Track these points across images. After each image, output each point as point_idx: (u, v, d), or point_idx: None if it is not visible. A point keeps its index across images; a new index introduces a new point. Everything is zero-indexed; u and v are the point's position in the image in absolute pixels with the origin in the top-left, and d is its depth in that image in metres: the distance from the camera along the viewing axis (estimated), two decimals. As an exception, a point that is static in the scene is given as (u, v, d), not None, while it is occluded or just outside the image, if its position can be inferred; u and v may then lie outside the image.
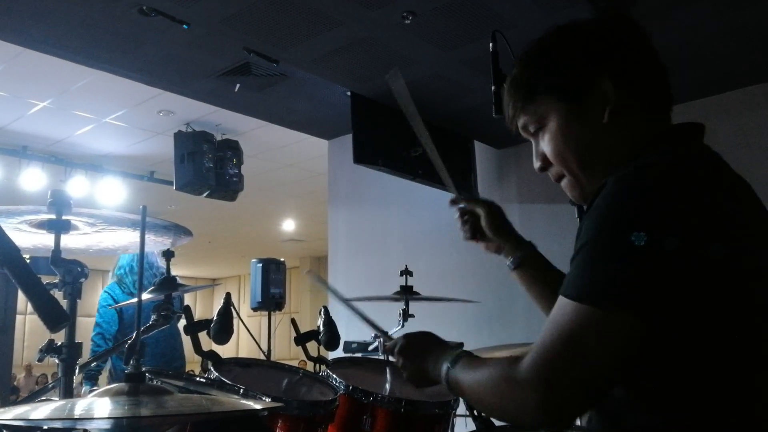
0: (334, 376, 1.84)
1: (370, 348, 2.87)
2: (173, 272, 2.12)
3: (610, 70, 0.99)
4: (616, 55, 1.01)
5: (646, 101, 1.01)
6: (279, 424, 1.57)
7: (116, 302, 3.88)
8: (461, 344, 1.16)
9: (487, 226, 1.43)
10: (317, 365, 2.07)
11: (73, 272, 1.50)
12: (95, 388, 3.56)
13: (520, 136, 1.16)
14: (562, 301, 0.87)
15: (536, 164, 1.11)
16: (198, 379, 1.65)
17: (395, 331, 2.81)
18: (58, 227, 1.55)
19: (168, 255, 2.12)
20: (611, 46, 1.01)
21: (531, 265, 1.53)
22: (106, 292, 4.04)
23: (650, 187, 0.85)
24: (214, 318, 1.84)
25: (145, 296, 2.08)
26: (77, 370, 1.55)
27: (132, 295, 3.82)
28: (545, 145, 1.06)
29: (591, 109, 1.00)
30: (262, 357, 2.31)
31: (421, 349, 1.17)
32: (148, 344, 3.65)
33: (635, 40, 1.03)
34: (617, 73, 0.99)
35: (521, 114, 1.08)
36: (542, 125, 1.06)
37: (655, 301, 0.81)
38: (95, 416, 0.98)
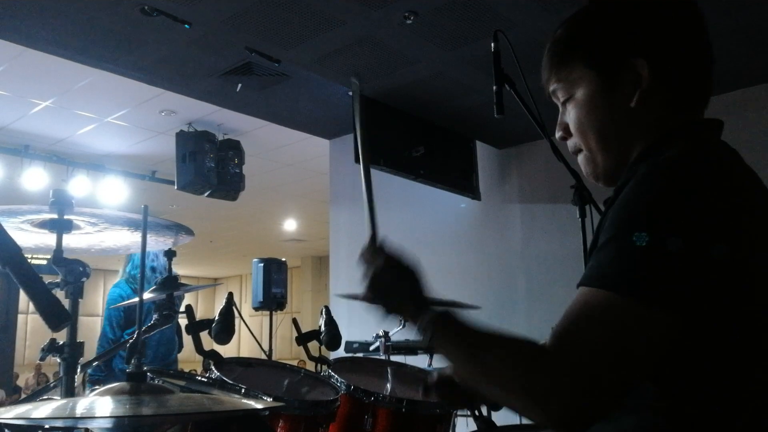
0: (336, 375, 1.84)
1: (372, 348, 2.88)
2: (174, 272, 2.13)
3: (650, 53, 0.96)
4: (660, 39, 0.97)
5: (679, 92, 0.97)
6: (280, 424, 1.57)
7: (124, 300, 3.87)
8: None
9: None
10: (318, 365, 2.07)
11: (75, 272, 1.50)
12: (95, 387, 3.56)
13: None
14: (591, 291, 0.83)
15: (558, 133, 1.08)
16: (199, 378, 1.65)
17: (396, 331, 2.82)
18: (60, 227, 1.55)
19: (170, 254, 2.13)
20: (657, 28, 0.98)
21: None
22: (116, 288, 4.02)
23: (692, 187, 0.83)
24: (216, 318, 1.84)
25: (147, 295, 2.08)
26: (79, 369, 1.55)
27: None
28: (570, 115, 1.04)
29: (621, 88, 0.98)
30: (264, 357, 2.32)
31: (405, 279, 1.03)
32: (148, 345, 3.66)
33: (686, 27, 0.99)
34: (656, 58, 0.96)
35: (554, 78, 1.05)
36: (571, 94, 1.03)
37: (685, 300, 0.79)
38: (97, 415, 0.98)
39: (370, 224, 1.17)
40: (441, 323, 0.94)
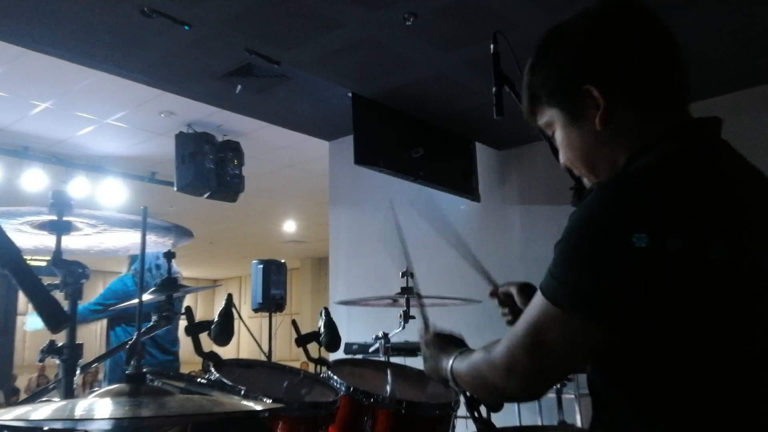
0: (335, 377, 1.84)
1: (371, 349, 2.87)
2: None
3: (596, 76, 0.97)
4: (603, 58, 0.98)
5: (644, 99, 0.97)
6: (280, 425, 1.57)
7: (126, 293, 3.87)
8: None
9: (522, 303, 1.47)
10: (318, 366, 2.06)
11: (74, 273, 1.50)
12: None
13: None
14: (537, 293, 0.92)
15: (562, 163, 1.13)
16: (199, 380, 1.65)
17: (396, 332, 2.81)
18: (60, 228, 1.55)
19: (169, 256, 2.13)
20: (598, 49, 0.98)
21: None
22: (120, 281, 4.02)
23: (627, 195, 0.85)
24: (215, 319, 1.84)
25: (147, 297, 2.08)
26: (78, 371, 1.55)
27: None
28: (558, 147, 1.09)
29: (584, 115, 0.99)
30: (263, 358, 2.31)
31: (440, 347, 1.28)
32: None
33: (635, 33, 0.98)
34: (604, 78, 0.97)
35: (533, 120, 1.11)
36: (552, 130, 1.08)
37: (615, 308, 0.82)
38: (96, 417, 0.98)
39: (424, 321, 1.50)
40: (454, 362, 1.17)
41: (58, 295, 1.40)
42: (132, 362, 1.15)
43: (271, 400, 1.50)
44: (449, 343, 1.29)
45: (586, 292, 0.84)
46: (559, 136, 1.06)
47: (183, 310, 1.85)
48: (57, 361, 1.52)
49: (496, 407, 1.46)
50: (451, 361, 1.17)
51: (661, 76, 0.98)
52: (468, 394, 1.45)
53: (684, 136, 0.95)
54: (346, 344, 3.34)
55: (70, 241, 1.65)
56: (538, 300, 0.91)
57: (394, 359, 2.75)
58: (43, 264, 1.63)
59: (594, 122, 0.98)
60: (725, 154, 0.96)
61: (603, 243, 0.83)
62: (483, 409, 1.46)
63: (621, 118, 0.97)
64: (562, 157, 1.08)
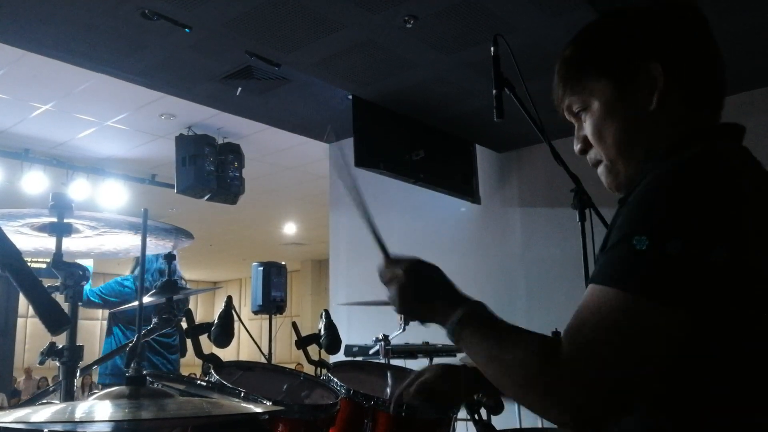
0: (335, 379, 1.84)
1: (371, 351, 2.87)
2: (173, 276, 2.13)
3: (662, 55, 0.97)
4: (670, 41, 0.99)
5: (694, 93, 0.98)
6: (280, 428, 1.57)
7: (124, 292, 3.89)
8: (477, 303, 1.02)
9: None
10: (318, 369, 2.06)
11: (75, 275, 1.50)
12: None
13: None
14: (602, 289, 0.82)
15: (576, 146, 1.09)
16: (199, 382, 1.65)
17: (396, 334, 2.81)
18: (60, 230, 1.55)
19: (169, 258, 2.13)
20: (666, 32, 1.00)
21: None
22: (118, 282, 4.03)
23: (697, 190, 0.83)
24: (215, 321, 1.84)
25: (147, 299, 2.08)
26: (78, 373, 1.55)
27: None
28: (587, 125, 1.05)
29: (637, 92, 0.99)
30: (263, 360, 2.31)
31: (429, 279, 1.08)
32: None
33: (693, 29, 1.01)
34: (668, 59, 0.97)
35: (568, 94, 1.06)
36: (587, 106, 1.04)
37: (693, 300, 0.80)
38: (96, 419, 0.98)
39: (378, 245, 1.20)
40: (467, 320, 0.97)
41: (59, 298, 1.40)
42: (132, 365, 1.15)
43: (270, 403, 1.50)
44: (442, 278, 1.08)
45: (674, 280, 0.79)
46: (597, 111, 1.02)
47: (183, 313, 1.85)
48: (57, 363, 1.52)
49: (496, 409, 1.44)
50: (457, 328, 0.97)
51: (710, 75, 1.00)
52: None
53: (714, 138, 0.97)
54: (347, 346, 3.34)
55: (70, 243, 1.65)
56: (609, 293, 0.81)
57: (394, 361, 2.75)
58: (43, 266, 1.63)
59: (645, 101, 0.98)
60: (746, 160, 0.96)
61: (685, 237, 0.80)
62: (483, 412, 1.46)
63: (671, 105, 0.98)
64: (592, 134, 1.03)
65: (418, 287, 1.06)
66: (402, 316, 1.08)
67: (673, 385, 0.85)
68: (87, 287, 3.75)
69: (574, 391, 0.79)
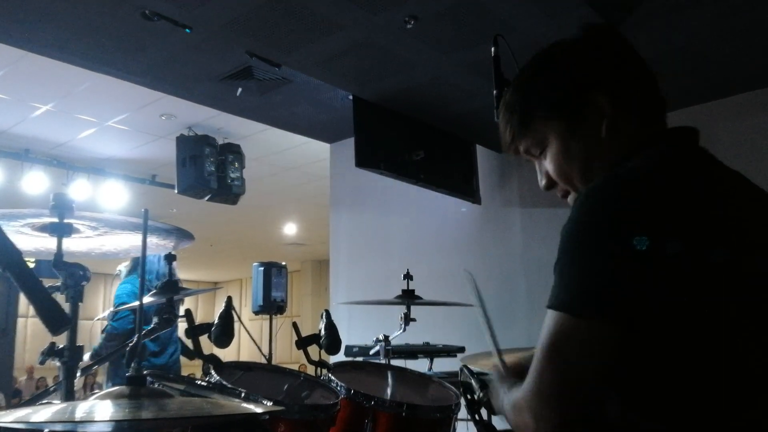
0: (336, 379, 1.84)
1: (372, 352, 2.87)
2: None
3: (603, 84, 1.02)
4: (607, 68, 1.03)
5: (640, 109, 1.03)
6: (280, 428, 1.57)
7: (137, 297, 3.89)
8: None
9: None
10: (318, 369, 2.06)
11: (75, 275, 1.50)
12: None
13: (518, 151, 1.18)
14: (547, 314, 0.89)
15: (541, 183, 1.14)
16: (199, 382, 1.65)
17: (397, 335, 2.81)
18: (61, 230, 1.55)
19: (170, 258, 2.13)
20: (601, 60, 1.04)
21: None
22: (128, 284, 4.02)
23: (616, 196, 0.86)
24: (216, 321, 1.84)
25: (148, 299, 2.08)
26: (78, 373, 1.55)
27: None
28: (548, 164, 1.09)
29: (588, 124, 1.02)
30: (264, 361, 2.31)
31: (499, 381, 1.19)
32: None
33: (623, 51, 1.05)
34: (610, 85, 1.02)
35: (522, 139, 1.11)
36: (544, 146, 1.08)
37: (624, 307, 0.82)
38: (96, 419, 0.98)
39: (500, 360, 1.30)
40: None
41: (59, 298, 1.40)
42: (132, 364, 1.15)
43: (271, 403, 1.50)
44: (507, 378, 1.19)
45: (594, 290, 0.83)
46: (555, 150, 1.06)
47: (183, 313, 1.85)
48: (57, 363, 1.52)
49: (496, 410, 1.44)
50: (502, 396, 1.09)
51: (651, 88, 1.05)
52: (469, 396, 1.42)
53: (671, 142, 1.00)
54: (347, 347, 3.33)
55: (70, 244, 1.65)
56: (549, 316, 0.88)
57: (394, 362, 2.75)
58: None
59: (597, 130, 1.01)
60: (710, 160, 0.99)
61: (605, 243, 0.83)
62: (484, 412, 1.45)
63: (622, 126, 1.01)
64: (555, 171, 1.08)
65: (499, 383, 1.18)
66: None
67: (665, 391, 0.85)
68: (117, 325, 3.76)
69: (531, 417, 0.88)
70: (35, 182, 5.90)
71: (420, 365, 2.95)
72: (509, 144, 1.14)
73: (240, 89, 3.63)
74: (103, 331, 3.84)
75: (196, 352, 1.74)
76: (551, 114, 1.05)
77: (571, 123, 1.04)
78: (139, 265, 4.00)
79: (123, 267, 4.13)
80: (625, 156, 0.99)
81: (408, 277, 2.81)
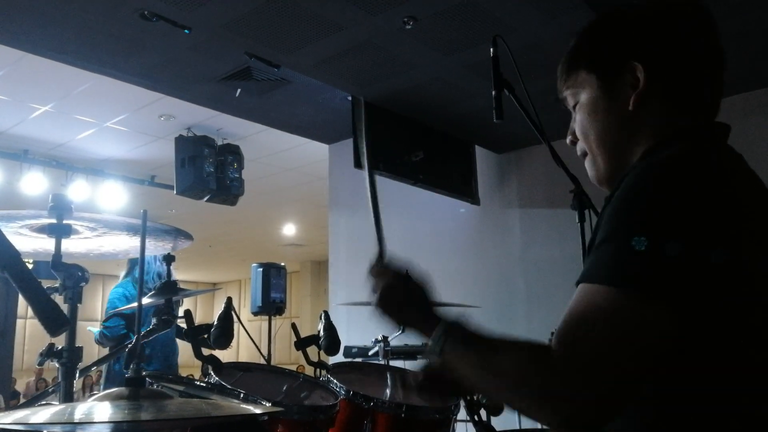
0: (335, 380, 1.84)
1: (371, 353, 2.87)
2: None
3: (646, 57, 0.98)
4: (657, 43, 0.99)
5: (679, 97, 0.99)
6: (279, 429, 1.57)
7: (128, 300, 3.89)
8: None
9: None
10: (318, 370, 2.06)
11: (74, 276, 1.50)
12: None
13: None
14: (591, 288, 0.82)
15: (568, 137, 1.12)
16: (198, 383, 1.65)
17: (396, 336, 2.81)
18: (59, 231, 1.55)
19: (168, 259, 2.12)
20: (655, 33, 1.00)
21: None
22: (120, 288, 4.02)
23: (682, 189, 0.83)
24: (215, 322, 1.84)
25: (146, 301, 2.08)
26: (77, 374, 1.55)
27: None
28: (576, 118, 1.08)
29: (620, 91, 1.00)
30: (263, 361, 2.31)
31: (417, 291, 1.06)
32: (147, 347, 3.66)
33: (687, 32, 0.99)
34: (654, 62, 0.98)
35: (564, 85, 1.09)
36: (577, 99, 1.07)
37: (684, 296, 0.79)
38: (95, 420, 0.98)
39: (377, 239, 1.22)
40: (452, 333, 0.95)
41: (58, 299, 1.40)
42: (131, 366, 1.15)
43: (270, 404, 1.50)
44: (417, 295, 1.05)
45: (662, 274, 0.78)
46: (584, 105, 1.05)
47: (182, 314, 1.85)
48: (56, 365, 1.52)
49: (496, 410, 1.44)
50: (441, 341, 0.94)
51: (697, 80, 0.99)
52: (469, 397, 1.41)
53: (697, 137, 0.96)
54: (346, 347, 3.33)
55: (69, 245, 1.65)
56: (593, 291, 0.81)
57: (393, 362, 2.75)
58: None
59: (626, 100, 0.99)
60: (733, 158, 0.96)
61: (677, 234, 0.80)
62: (483, 413, 1.45)
63: (652, 107, 0.99)
64: (578, 127, 1.06)
65: (404, 290, 1.05)
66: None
67: (664, 385, 0.84)
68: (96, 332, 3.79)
69: (567, 391, 0.79)
70: (34, 183, 5.90)
71: (419, 366, 2.94)
72: (559, 89, 1.11)
73: (239, 90, 3.63)
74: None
75: (195, 353, 1.73)
76: (590, 68, 1.03)
77: (605, 84, 1.02)
78: (133, 267, 4.01)
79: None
80: (651, 141, 0.97)
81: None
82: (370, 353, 3.02)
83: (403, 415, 1.78)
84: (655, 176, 0.86)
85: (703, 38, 1.00)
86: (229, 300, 1.89)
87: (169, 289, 2.07)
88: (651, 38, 1.00)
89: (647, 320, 0.79)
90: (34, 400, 1.87)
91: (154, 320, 1.99)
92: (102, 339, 3.80)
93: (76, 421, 0.97)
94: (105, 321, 3.85)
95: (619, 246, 0.82)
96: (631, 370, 0.79)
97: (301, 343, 2.03)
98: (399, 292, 1.05)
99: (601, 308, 0.80)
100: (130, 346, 1.41)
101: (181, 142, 5.36)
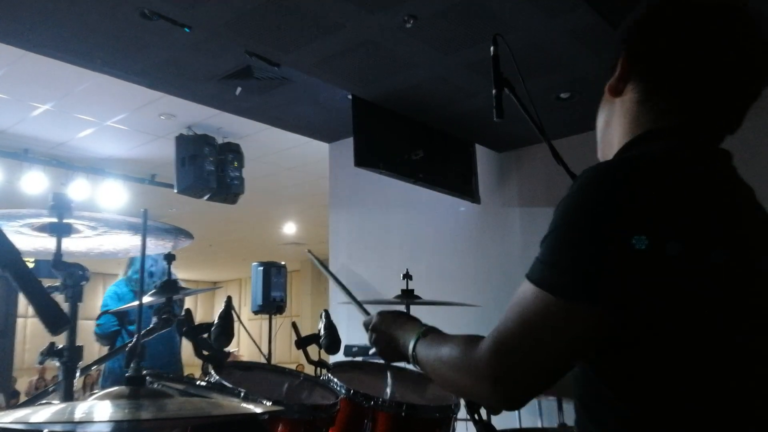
0: (335, 379, 1.84)
1: (371, 352, 2.87)
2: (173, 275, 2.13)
3: (632, 46, 0.99)
4: (650, 38, 0.97)
5: (658, 95, 0.97)
6: (279, 428, 1.57)
7: (120, 298, 3.94)
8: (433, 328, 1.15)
9: None
10: (318, 369, 2.06)
11: (74, 275, 1.50)
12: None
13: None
14: (525, 283, 0.87)
15: None
16: (198, 382, 1.65)
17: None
18: (60, 230, 1.55)
19: (169, 258, 2.12)
20: (652, 25, 0.98)
21: None
22: (113, 287, 4.08)
23: (621, 181, 0.85)
24: (215, 321, 1.84)
25: (146, 299, 2.08)
26: (78, 373, 1.55)
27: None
28: None
29: (612, 80, 1.02)
30: (263, 360, 2.31)
31: (393, 325, 1.21)
32: (147, 346, 3.68)
33: (687, 27, 0.95)
34: (633, 49, 0.99)
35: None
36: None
37: (614, 296, 0.81)
38: (96, 419, 0.98)
39: (359, 308, 1.48)
40: (420, 338, 1.09)
41: (58, 298, 1.40)
42: (132, 365, 1.15)
43: (270, 403, 1.50)
44: (403, 320, 1.20)
45: (582, 277, 0.81)
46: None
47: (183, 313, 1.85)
48: (57, 364, 1.52)
49: (496, 409, 1.44)
50: (413, 342, 1.09)
51: (686, 79, 0.96)
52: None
53: (681, 139, 0.95)
54: (346, 346, 3.34)
55: (70, 243, 1.65)
56: (529, 290, 0.86)
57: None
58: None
59: (620, 92, 1.01)
60: (723, 161, 0.96)
61: (602, 233, 0.82)
62: (483, 412, 1.45)
63: (629, 96, 0.99)
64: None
65: (387, 323, 1.23)
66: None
67: (658, 390, 0.84)
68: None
69: (478, 375, 0.88)
70: (34, 182, 5.90)
71: (419, 365, 2.95)
72: None
73: (239, 89, 3.63)
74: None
75: (195, 353, 1.73)
76: (612, 62, 1.04)
77: (611, 72, 1.02)
78: (130, 266, 4.04)
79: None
80: (634, 139, 0.97)
81: (407, 276, 2.81)
82: (371, 352, 3.02)
83: (403, 413, 1.78)
84: (579, 183, 0.88)
85: (705, 36, 0.95)
86: (230, 299, 1.89)
87: (170, 288, 2.07)
88: (646, 32, 0.99)
89: (571, 325, 0.83)
90: (35, 399, 1.87)
91: (154, 319, 2.00)
92: (95, 337, 3.86)
93: (76, 420, 0.97)
94: (97, 319, 3.89)
95: (552, 244, 0.87)
96: (545, 363, 0.85)
97: (302, 342, 2.03)
98: (381, 339, 1.24)
99: (521, 303, 0.86)
100: (130, 345, 1.41)
101: (181, 140, 5.36)
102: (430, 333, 1.09)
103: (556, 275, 0.83)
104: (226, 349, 1.76)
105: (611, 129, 1.03)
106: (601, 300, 0.81)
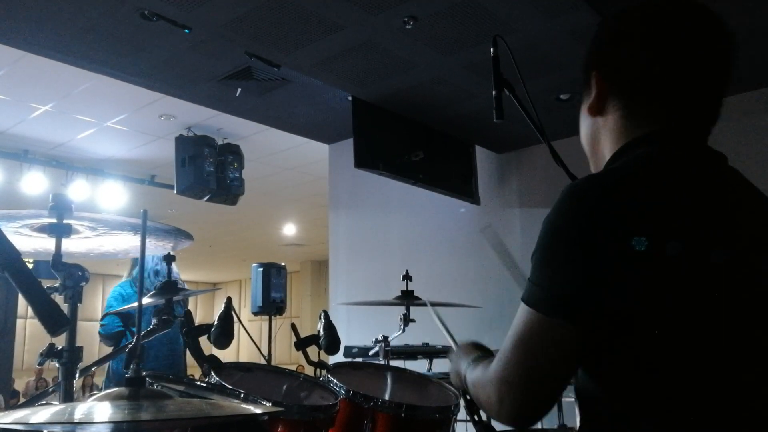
0: (335, 380, 1.84)
1: (371, 352, 2.87)
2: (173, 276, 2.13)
3: (601, 63, 1.00)
4: (614, 48, 0.99)
5: (639, 105, 0.97)
6: (279, 429, 1.56)
7: (124, 299, 3.94)
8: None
9: None
10: (318, 370, 2.06)
11: (74, 276, 1.50)
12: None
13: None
14: (521, 303, 0.91)
15: None
16: (198, 383, 1.64)
17: (396, 336, 2.81)
18: (59, 231, 1.55)
19: (169, 259, 2.12)
20: (620, 43, 0.98)
21: None
22: (117, 287, 4.07)
23: (609, 189, 0.86)
24: (215, 322, 1.84)
25: (146, 300, 2.08)
26: (77, 374, 1.55)
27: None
28: None
29: (589, 99, 1.02)
30: (263, 361, 2.31)
31: (461, 356, 1.22)
32: (150, 347, 3.67)
33: (651, 34, 0.95)
34: (606, 66, 0.99)
35: None
36: None
37: (592, 308, 0.82)
38: (95, 420, 0.98)
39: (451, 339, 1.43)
40: (467, 373, 1.12)
41: (58, 298, 1.40)
42: (131, 366, 1.15)
43: (270, 404, 1.50)
44: (470, 349, 1.24)
45: (566, 295, 0.84)
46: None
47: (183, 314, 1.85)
48: (56, 365, 1.52)
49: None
50: (463, 371, 1.13)
51: (681, 83, 0.95)
52: (468, 396, 1.43)
53: (669, 141, 0.95)
54: (346, 347, 3.33)
55: (69, 244, 1.65)
56: (521, 308, 0.90)
57: (394, 362, 2.74)
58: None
59: (590, 108, 1.02)
60: (712, 160, 0.96)
61: (587, 245, 0.83)
62: (483, 413, 1.45)
63: (612, 113, 0.99)
64: None
65: (458, 354, 1.24)
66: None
67: (656, 391, 0.84)
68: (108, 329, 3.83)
69: (496, 399, 0.92)
70: (34, 183, 5.90)
71: (419, 366, 2.95)
72: None
73: (239, 90, 3.63)
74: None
75: (195, 354, 1.73)
76: (583, 76, 1.06)
77: (585, 91, 1.04)
78: (134, 267, 4.04)
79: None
80: (619, 150, 0.97)
81: (407, 277, 2.81)
82: (371, 353, 3.02)
83: (403, 414, 1.78)
84: (560, 199, 0.89)
85: (677, 41, 0.94)
86: (229, 300, 1.89)
87: (170, 289, 2.07)
88: (610, 45, 1.00)
89: (556, 338, 0.86)
90: (34, 399, 1.86)
91: (154, 320, 1.99)
92: (100, 337, 3.86)
93: (76, 421, 0.97)
94: (101, 320, 3.89)
95: (537, 264, 0.90)
96: (541, 381, 0.88)
97: (301, 343, 2.03)
98: (453, 370, 1.25)
99: (515, 324, 0.90)
100: (130, 346, 1.41)
101: (181, 141, 5.37)
102: (477, 360, 1.12)
103: (542, 293, 0.87)
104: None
105: (600, 145, 1.02)
106: (583, 320, 0.83)
